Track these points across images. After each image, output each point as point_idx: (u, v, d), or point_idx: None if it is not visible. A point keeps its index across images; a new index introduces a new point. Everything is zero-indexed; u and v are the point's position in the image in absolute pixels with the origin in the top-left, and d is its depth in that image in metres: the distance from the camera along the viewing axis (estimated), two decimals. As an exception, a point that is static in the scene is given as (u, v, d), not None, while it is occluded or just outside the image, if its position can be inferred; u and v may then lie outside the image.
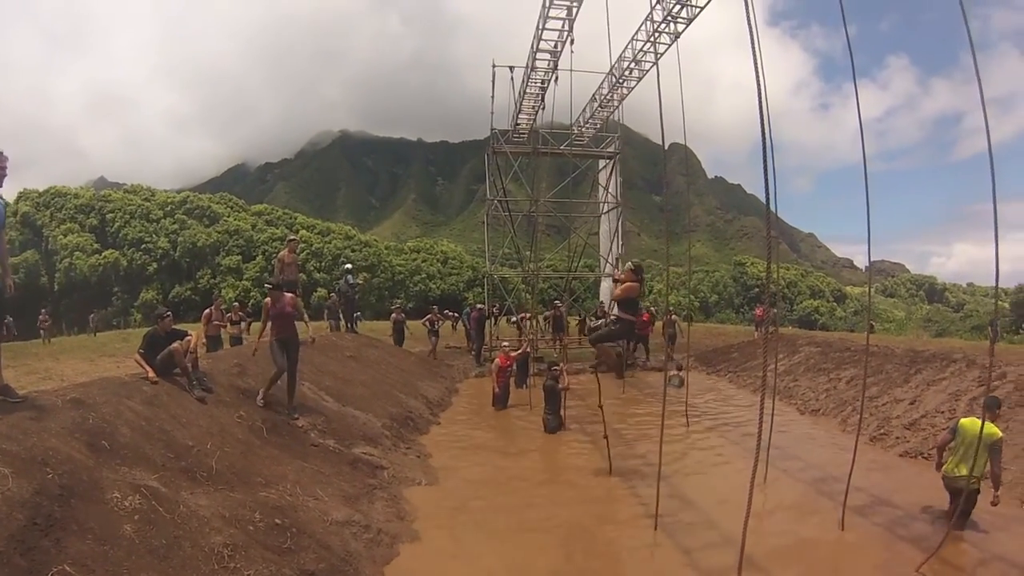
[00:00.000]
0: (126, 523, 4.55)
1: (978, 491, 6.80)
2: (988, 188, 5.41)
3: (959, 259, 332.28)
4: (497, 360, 15.07)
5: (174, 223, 69.34)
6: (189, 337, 8.20)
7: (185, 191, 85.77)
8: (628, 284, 8.17)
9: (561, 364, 13.34)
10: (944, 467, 7.07)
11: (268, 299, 9.23)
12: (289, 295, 9.49)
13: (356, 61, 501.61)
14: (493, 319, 25.25)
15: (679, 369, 17.32)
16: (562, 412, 12.13)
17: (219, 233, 69.60)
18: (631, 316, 8.31)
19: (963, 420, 7.07)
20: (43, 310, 27.88)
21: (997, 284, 5.29)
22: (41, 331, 25.10)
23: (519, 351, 16.27)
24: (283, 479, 6.77)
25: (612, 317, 8.83)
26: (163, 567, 4.38)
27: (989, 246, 5.37)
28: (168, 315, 8.43)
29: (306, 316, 10.01)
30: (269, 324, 9.19)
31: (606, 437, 9.34)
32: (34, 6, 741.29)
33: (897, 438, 10.66)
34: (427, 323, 21.74)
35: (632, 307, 8.32)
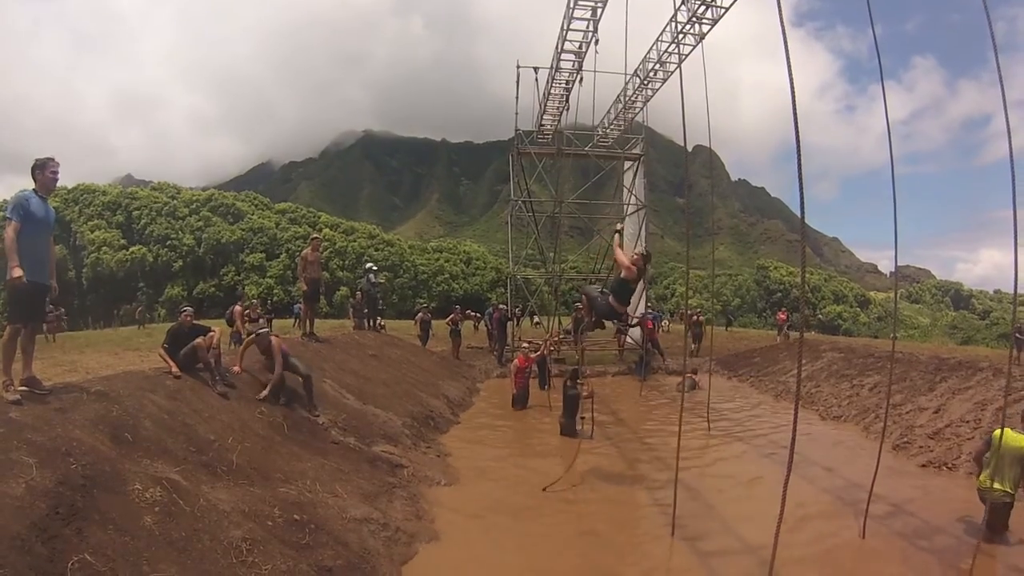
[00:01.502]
0: (147, 515, 4.59)
1: (1009, 505, 6.62)
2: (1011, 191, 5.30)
3: (985, 265, 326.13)
4: (516, 361, 15.07)
5: (199, 220, 70.23)
6: (212, 333, 8.27)
7: (210, 189, 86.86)
8: (629, 265, 7.80)
9: (584, 370, 13.23)
10: (979, 478, 6.90)
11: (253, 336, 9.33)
12: (275, 340, 9.42)
13: (379, 62, 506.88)
14: (516, 320, 25.20)
15: (693, 372, 17.23)
16: (581, 417, 11.96)
17: (243, 231, 70.34)
18: (622, 306, 8.00)
19: (997, 431, 6.88)
20: (51, 306, 27.84)
21: (1016, 291, 5.16)
22: (44, 326, 25.06)
23: (538, 352, 16.26)
24: (302, 475, 6.79)
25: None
26: (182, 559, 4.40)
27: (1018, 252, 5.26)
28: (188, 310, 8.52)
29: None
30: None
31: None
32: (63, 8, 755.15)
33: (920, 447, 10.46)
34: (450, 323, 21.81)
35: (626, 295, 8.06)
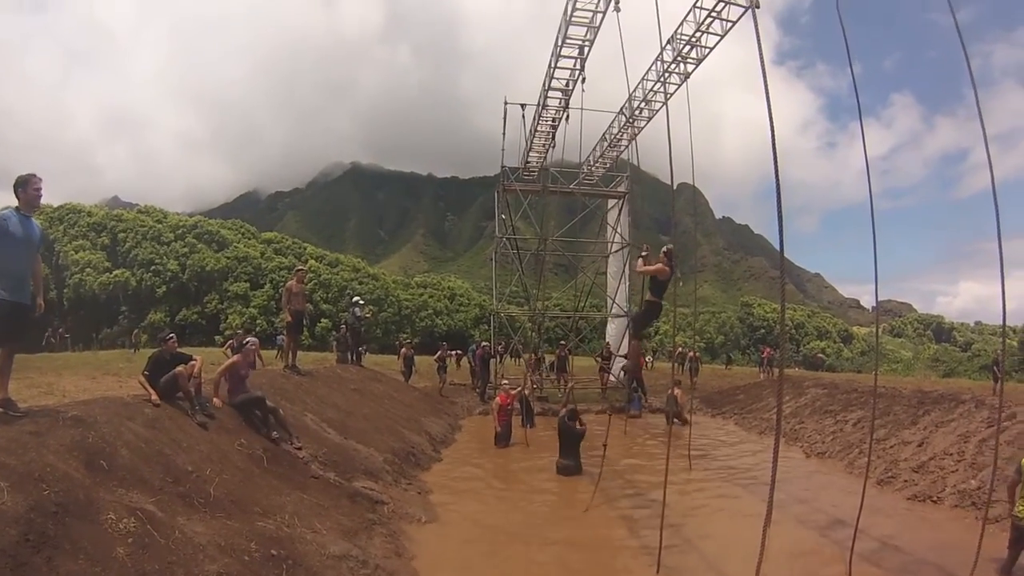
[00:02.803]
0: (119, 545, 4.44)
1: None
2: (994, 225, 5.39)
3: (965, 297, 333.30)
4: (498, 399, 15.00)
5: (184, 246, 69.89)
6: (194, 361, 8.14)
7: (197, 215, 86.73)
8: (660, 267, 8.41)
9: (573, 406, 13.22)
10: (1016, 510, 6.77)
11: (237, 356, 9.23)
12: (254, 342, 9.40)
13: (367, 93, 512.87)
14: (499, 357, 25.13)
15: (677, 384, 17.36)
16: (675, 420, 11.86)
17: (228, 259, 70.03)
18: (658, 299, 8.62)
19: None
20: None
21: (1004, 322, 5.22)
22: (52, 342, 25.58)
23: (518, 389, 16.20)
24: (281, 509, 6.64)
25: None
26: (155, 594, 4.26)
27: (996, 284, 5.38)
28: (172, 337, 8.39)
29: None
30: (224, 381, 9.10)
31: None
32: (55, 22, 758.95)
33: (905, 481, 10.51)
34: (438, 359, 21.73)
35: (660, 289, 8.58)
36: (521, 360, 26.31)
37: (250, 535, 5.67)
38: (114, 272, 65.24)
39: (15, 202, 5.75)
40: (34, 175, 5.74)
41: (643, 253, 9.54)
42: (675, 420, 15.87)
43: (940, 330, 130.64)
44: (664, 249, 8.75)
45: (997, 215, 5.41)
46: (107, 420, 6.19)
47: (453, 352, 32.23)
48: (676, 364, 26.88)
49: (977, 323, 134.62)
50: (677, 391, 17.28)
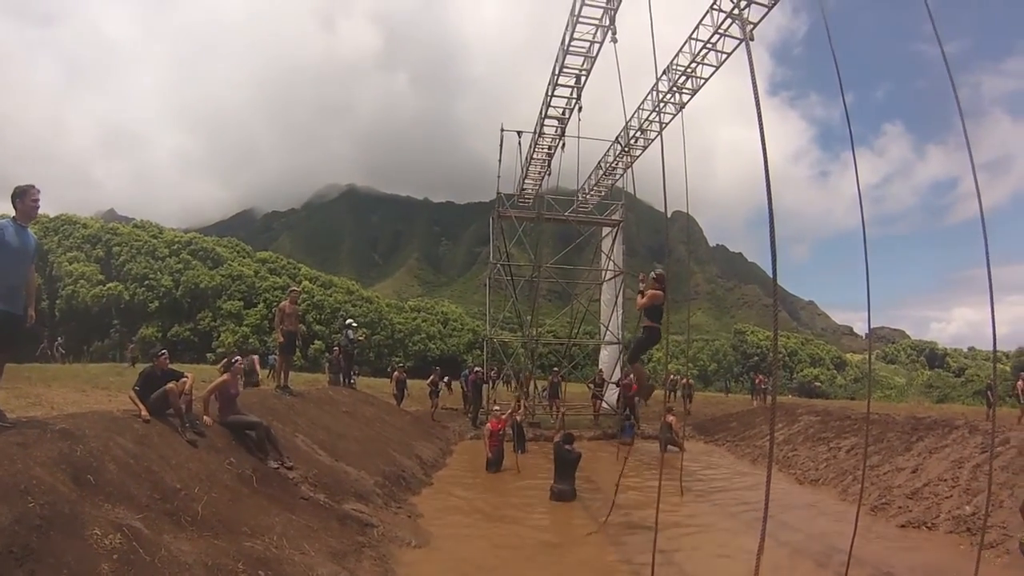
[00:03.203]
0: (104, 562, 4.37)
1: None
2: (984, 252, 5.45)
3: (958, 323, 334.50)
4: (488, 425, 14.93)
5: (179, 262, 69.57)
6: (185, 378, 8.09)
7: (192, 232, 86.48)
8: (653, 292, 8.37)
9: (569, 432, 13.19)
10: None
11: (227, 375, 9.20)
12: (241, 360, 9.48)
13: (363, 117, 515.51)
14: (491, 383, 25.02)
15: (669, 411, 17.38)
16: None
17: (222, 277, 69.74)
18: (656, 323, 8.49)
19: None
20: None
21: (995, 348, 5.24)
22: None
23: (508, 413, 16.17)
24: (270, 530, 6.56)
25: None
26: (139, 612, 4.18)
27: (988, 309, 5.38)
28: (164, 354, 8.36)
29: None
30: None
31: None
32: (58, 36, 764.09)
33: (899, 508, 10.45)
34: (430, 384, 21.65)
35: (657, 315, 8.48)
36: (514, 385, 26.14)
37: (237, 555, 5.59)
38: (107, 285, 64.86)
39: (12, 212, 5.75)
40: (32, 186, 5.75)
41: (640, 287, 9.55)
42: (670, 447, 15.81)
43: (933, 356, 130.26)
44: (654, 274, 8.77)
45: (986, 242, 5.47)
46: (96, 434, 6.12)
47: (445, 379, 32.19)
48: (669, 392, 27.02)
49: (971, 349, 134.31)
50: (671, 418, 17.26)
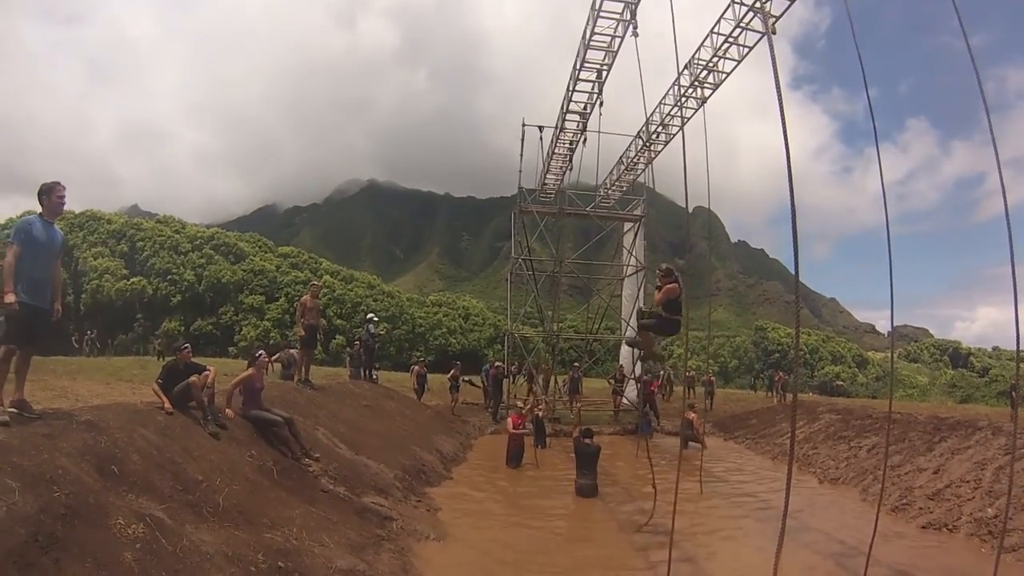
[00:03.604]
0: (127, 551, 4.43)
1: None
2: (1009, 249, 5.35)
3: (983, 323, 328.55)
4: (509, 419, 14.94)
5: (201, 257, 70.55)
6: (208, 372, 8.17)
7: (214, 227, 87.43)
8: (668, 287, 8.14)
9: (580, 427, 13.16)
10: None
11: (252, 369, 9.28)
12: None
13: (384, 112, 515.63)
14: (512, 378, 25.05)
15: (691, 408, 17.39)
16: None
17: (244, 271, 70.57)
18: (676, 316, 8.24)
19: None
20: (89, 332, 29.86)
21: (1019, 348, 5.14)
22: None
23: (528, 408, 16.20)
24: (290, 522, 6.61)
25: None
26: (160, 601, 4.24)
27: (1012, 309, 5.29)
28: (187, 347, 8.45)
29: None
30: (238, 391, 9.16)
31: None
32: (80, 36, 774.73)
33: (920, 508, 10.30)
34: (451, 378, 21.70)
35: (675, 307, 8.24)
36: (524, 381, 26.06)
37: (257, 546, 5.64)
38: (131, 280, 66.07)
39: (39, 208, 5.86)
40: (58, 183, 5.86)
41: (658, 283, 9.37)
42: (691, 444, 15.75)
43: (957, 355, 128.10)
44: (659, 270, 8.59)
45: (1011, 239, 5.36)
46: (120, 426, 6.21)
47: (467, 379, 32.32)
48: (689, 388, 26.88)
49: (995, 348, 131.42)
50: (692, 415, 17.17)
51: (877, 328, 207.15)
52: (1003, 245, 5.32)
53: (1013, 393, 16.84)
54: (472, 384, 23.44)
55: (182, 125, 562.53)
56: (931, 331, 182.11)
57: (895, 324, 8.18)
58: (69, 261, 64.90)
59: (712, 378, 29.81)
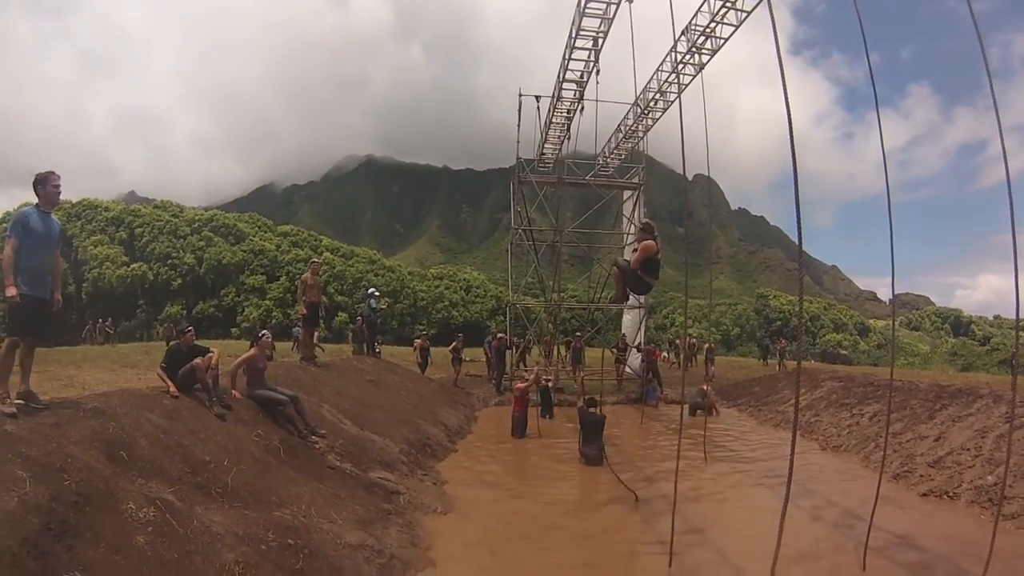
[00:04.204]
0: (139, 534, 4.52)
1: None
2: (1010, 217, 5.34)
3: (985, 291, 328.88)
4: (516, 384, 15.03)
5: (201, 240, 70.46)
6: (211, 354, 8.22)
7: (213, 209, 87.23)
8: (645, 243, 7.83)
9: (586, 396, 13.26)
10: None
11: (255, 349, 9.36)
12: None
13: (380, 87, 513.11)
14: (514, 348, 25.15)
15: (710, 380, 17.43)
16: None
17: (244, 252, 70.51)
18: (652, 279, 7.99)
19: None
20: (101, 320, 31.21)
21: (1018, 315, 5.17)
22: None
23: (533, 377, 16.33)
24: (298, 500, 6.71)
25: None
26: (174, 581, 4.33)
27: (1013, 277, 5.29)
28: (190, 330, 8.52)
29: None
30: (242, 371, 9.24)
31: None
32: (72, 26, 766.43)
33: (921, 476, 10.38)
34: (452, 351, 21.78)
35: (652, 268, 7.96)
36: (520, 352, 26.04)
37: (267, 524, 5.74)
38: (132, 266, 66.08)
39: (35, 200, 5.87)
40: (52, 172, 5.85)
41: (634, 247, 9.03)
42: (699, 411, 15.89)
43: (958, 324, 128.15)
44: (639, 224, 8.29)
45: (1011, 206, 5.35)
46: (126, 411, 6.28)
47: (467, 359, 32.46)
48: (691, 355, 27.03)
49: (996, 317, 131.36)
50: (707, 387, 17.38)
51: (879, 296, 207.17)
52: (1005, 213, 5.31)
53: (1013, 361, 16.90)
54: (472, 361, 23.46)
55: (176, 110, 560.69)
56: (932, 299, 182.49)
57: (896, 292, 8.20)
58: (69, 251, 64.94)
59: (713, 345, 30.15)
